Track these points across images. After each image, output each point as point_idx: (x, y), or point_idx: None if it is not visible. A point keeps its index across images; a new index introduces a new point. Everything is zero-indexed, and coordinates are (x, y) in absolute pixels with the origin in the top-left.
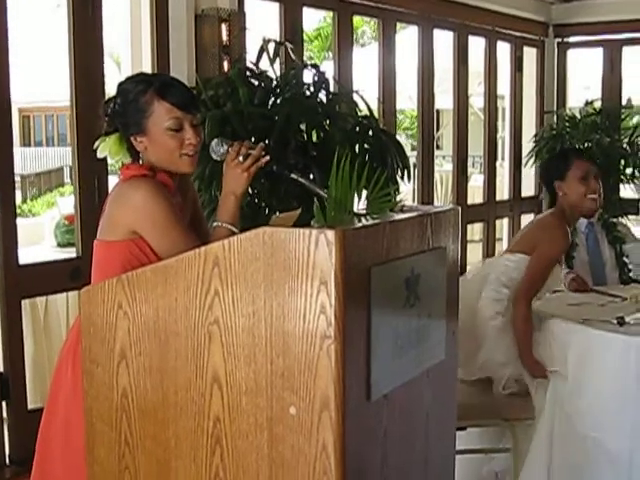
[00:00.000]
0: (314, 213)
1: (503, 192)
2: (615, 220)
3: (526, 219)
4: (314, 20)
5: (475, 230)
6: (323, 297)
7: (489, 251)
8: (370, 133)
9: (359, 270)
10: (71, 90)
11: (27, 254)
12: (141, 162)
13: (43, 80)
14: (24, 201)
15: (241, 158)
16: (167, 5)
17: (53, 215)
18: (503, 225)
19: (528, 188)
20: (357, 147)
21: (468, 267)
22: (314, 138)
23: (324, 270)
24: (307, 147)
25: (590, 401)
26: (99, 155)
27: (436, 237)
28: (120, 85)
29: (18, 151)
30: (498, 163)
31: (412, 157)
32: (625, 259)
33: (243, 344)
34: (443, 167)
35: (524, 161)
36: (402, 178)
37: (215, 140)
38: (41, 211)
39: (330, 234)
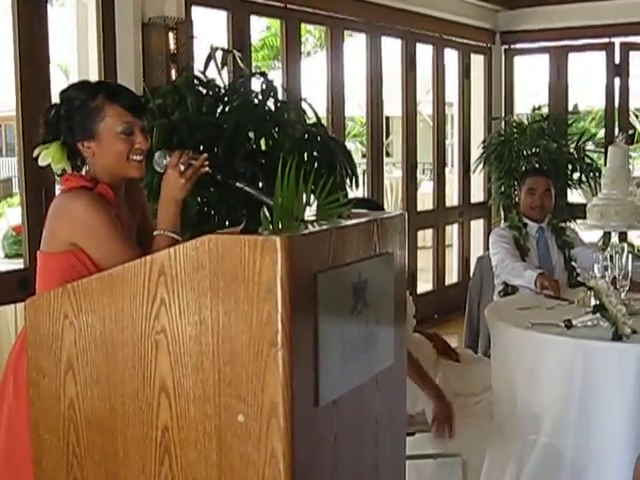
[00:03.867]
0: (261, 221)
1: (453, 198)
2: (564, 225)
3: (476, 225)
4: (258, 29)
5: (426, 236)
6: (270, 305)
7: (439, 257)
8: (318, 140)
9: (305, 277)
10: (17, 99)
11: None
12: (84, 171)
13: None
14: None
15: (182, 167)
16: (113, 13)
17: (1, 226)
18: (453, 231)
19: (477, 194)
20: (306, 154)
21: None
22: (263, 146)
23: (270, 278)
24: (256, 155)
25: (540, 405)
26: (40, 163)
27: (383, 243)
28: (63, 92)
29: None
30: (447, 169)
31: (362, 164)
32: (573, 263)
33: (190, 353)
34: (393, 174)
35: (472, 167)
36: (350, 185)
37: (158, 152)
38: None
39: (275, 241)
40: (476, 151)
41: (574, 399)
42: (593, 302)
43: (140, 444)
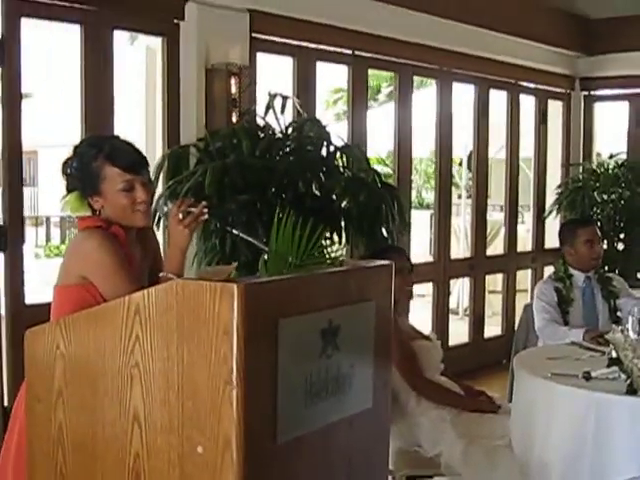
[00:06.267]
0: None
1: (526, 243)
2: (611, 275)
3: (549, 271)
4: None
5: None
6: (226, 346)
7: (509, 302)
8: (367, 186)
9: (265, 321)
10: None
11: None
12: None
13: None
14: None
15: (180, 215)
16: (178, 60)
17: None
18: (527, 276)
19: (552, 240)
20: (352, 199)
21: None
22: (314, 190)
23: (227, 321)
24: (304, 199)
25: (552, 455)
26: (60, 212)
27: (362, 291)
28: (76, 148)
29: None
30: (520, 215)
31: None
32: (619, 313)
33: (159, 386)
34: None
35: (547, 212)
36: (399, 231)
37: (161, 200)
38: None
39: (233, 288)
40: (551, 197)
41: (586, 452)
42: (614, 355)
43: (116, 468)
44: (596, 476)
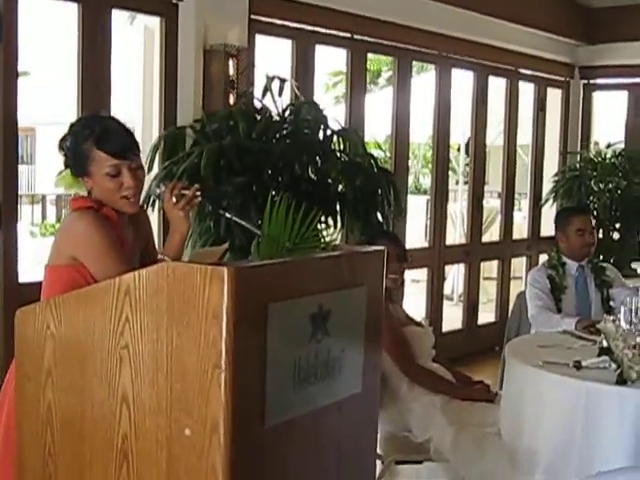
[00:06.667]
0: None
1: (522, 230)
2: (604, 264)
3: (544, 259)
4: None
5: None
6: (215, 329)
7: (503, 289)
8: (363, 170)
9: (255, 305)
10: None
11: None
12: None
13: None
14: None
15: (174, 199)
16: (176, 40)
17: None
18: (522, 264)
19: (548, 228)
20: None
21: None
22: (310, 174)
23: (216, 305)
24: (299, 182)
25: (541, 444)
26: (55, 188)
27: (354, 276)
28: (72, 126)
29: None
30: (517, 202)
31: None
32: (611, 303)
33: (148, 368)
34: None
35: (544, 200)
36: (394, 215)
37: (154, 182)
38: None
39: (223, 271)
40: (547, 184)
41: (575, 442)
42: (605, 344)
43: (104, 449)
44: (585, 465)
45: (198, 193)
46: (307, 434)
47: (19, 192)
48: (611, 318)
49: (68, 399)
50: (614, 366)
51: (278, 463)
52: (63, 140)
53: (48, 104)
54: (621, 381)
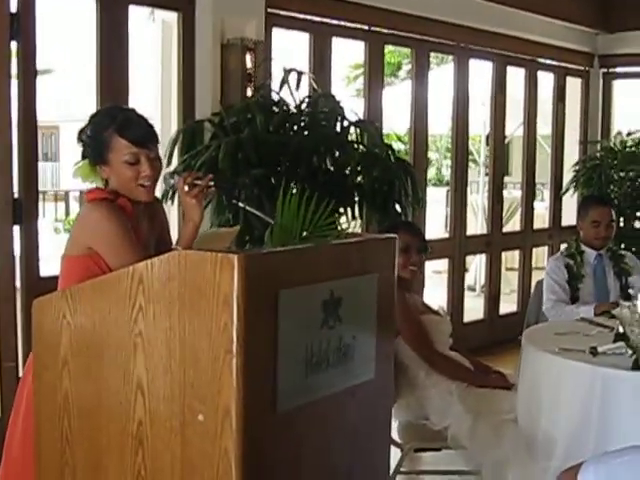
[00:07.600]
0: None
1: (544, 221)
2: (623, 252)
3: None
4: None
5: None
6: (227, 316)
7: (524, 279)
8: (381, 161)
9: (266, 292)
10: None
11: None
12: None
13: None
14: None
15: (187, 187)
16: (194, 35)
17: None
18: (544, 253)
19: (569, 217)
20: (363, 175)
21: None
22: (328, 165)
23: (227, 292)
24: (317, 174)
25: (557, 430)
26: (72, 178)
27: (365, 263)
28: (92, 117)
29: None
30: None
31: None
32: (630, 291)
33: (161, 355)
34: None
35: (564, 189)
36: (413, 206)
37: (166, 173)
38: None
39: (233, 259)
40: (568, 174)
41: (591, 428)
42: (620, 330)
43: (120, 435)
44: (601, 451)
45: (211, 183)
46: (320, 420)
47: (44, 189)
48: (627, 304)
49: (84, 387)
50: (630, 352)
51: (290, 448)
52: (82, 131)
53: (71, 102)
54: (637, 367)
